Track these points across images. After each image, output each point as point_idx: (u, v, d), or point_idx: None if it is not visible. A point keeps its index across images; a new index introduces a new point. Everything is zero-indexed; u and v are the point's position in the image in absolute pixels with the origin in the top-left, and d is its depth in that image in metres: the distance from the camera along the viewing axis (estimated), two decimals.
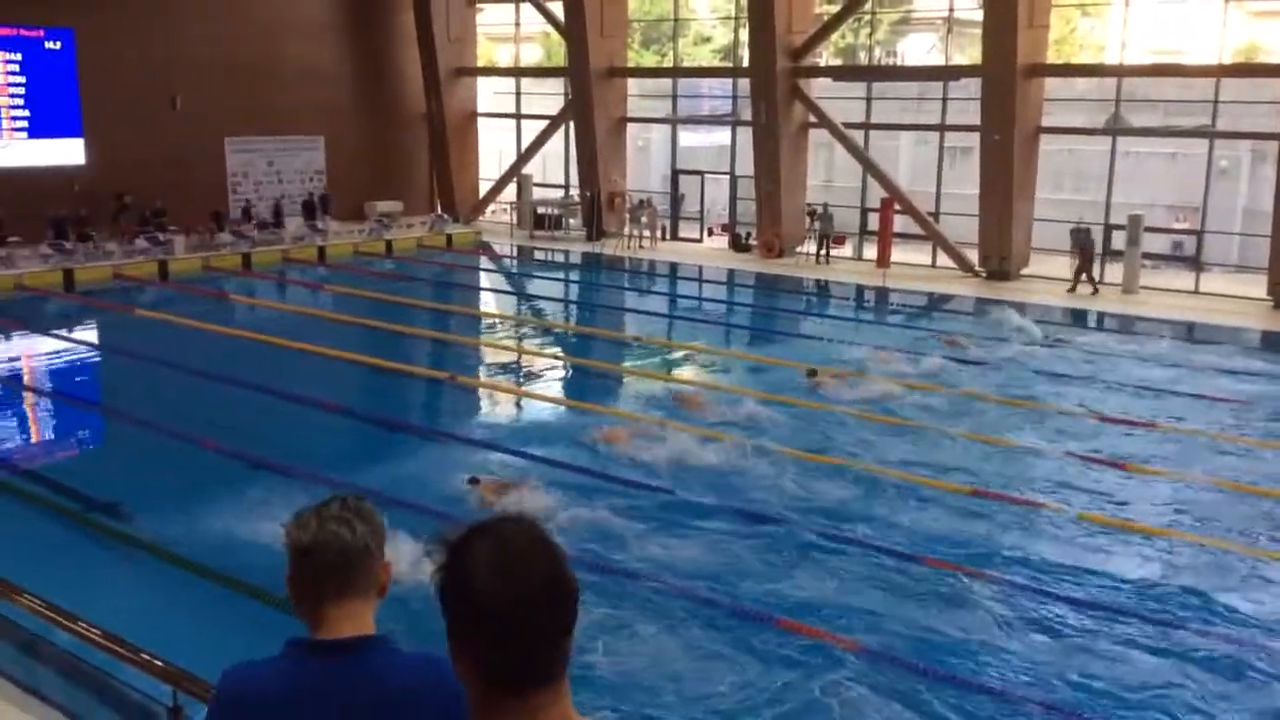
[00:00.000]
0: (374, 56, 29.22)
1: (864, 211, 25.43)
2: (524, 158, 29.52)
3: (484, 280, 25.15)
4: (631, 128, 28.84)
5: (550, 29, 29.49)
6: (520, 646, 1.66)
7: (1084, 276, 21.47)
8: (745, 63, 26.10)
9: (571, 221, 28.45)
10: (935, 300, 21.65)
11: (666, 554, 8.80)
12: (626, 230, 26.63)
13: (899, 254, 23.95)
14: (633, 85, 28.59)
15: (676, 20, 29.36)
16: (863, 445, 11.76)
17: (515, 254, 27.50)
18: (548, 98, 29.88)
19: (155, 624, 6.97)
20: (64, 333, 17.57)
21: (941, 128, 24.40)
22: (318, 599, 2.30)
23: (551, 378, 16.23)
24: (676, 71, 29.03)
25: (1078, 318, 20.04)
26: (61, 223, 22.11)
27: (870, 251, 24.73)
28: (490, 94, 30.98)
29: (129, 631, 5.24)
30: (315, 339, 16.58)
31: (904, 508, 9.98)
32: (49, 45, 23.37)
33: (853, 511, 9.84)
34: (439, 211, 29.66)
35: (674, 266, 25.47)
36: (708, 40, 33.13)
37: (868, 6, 25.29)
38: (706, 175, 27.68)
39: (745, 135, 25.80)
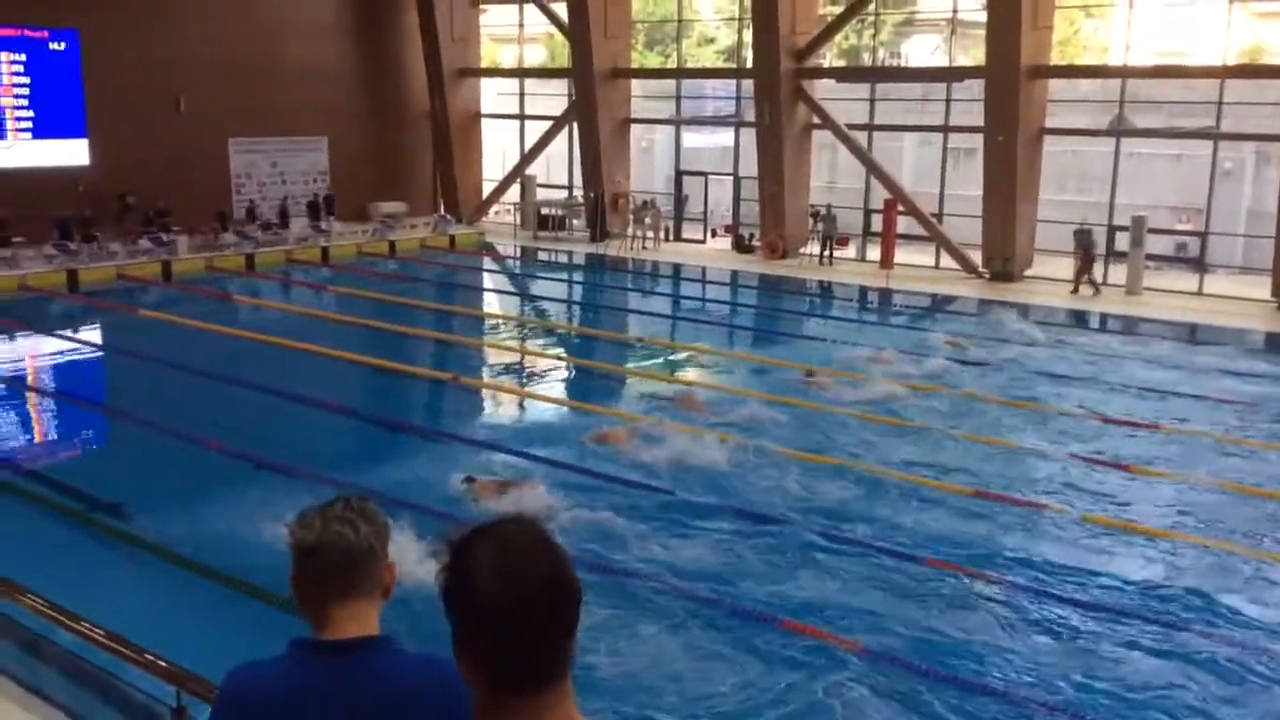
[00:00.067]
0: (377, 57, 29.25)
1: (867, 213, 25.42)
2: (527, 158, 29.53)
3: (487, 281, 25.18)
4: (635, 129, 28.84)
5: (554, 30, 29.51)
6: (520, 646, 1.67)
7: (1085, 278, 21.46)
8: (749, 64, 26.09)
9: (575, 222, 28.46)
10: (938, 301, 21.64)
11: (668, 554, 8.80)
12: (630, 231, 26.63)
13: (902, 255, 23.94)
14: (636, 86, 28.59)
15: (680, 21, 29.39)
16: (865, 446, 11.75)
17: (519, 255, 27.51)
18: (551, 98, 29.88)
19: (158, 624, 6.98)
20: (68, 333, 17.58)
21: (945, 129, 24.39)
22: (322, 599, 2.30)
23: (554, 379, 16.24)
24: (680, 72, 29.05)
25: (1081, 319, 20.03)
26: (67, 223, 22.15)
27: (873, 253, 24.72)
28: (494, 95, 30.99)
29: (132, 632, 5.24)
30: (318, 339, 16.60)
31: (906, 508, 9.97)
32: (53, 46, 23.41)
33: (855, 512, 9.83)
34: (442, 212, 29.66)
35: (677, 267, 25.47)
36: (711, 41, 33.13)
37: (871, 8, 25.28)
38: (710, 176, 27.67)
39: (749, 136, 25.79)
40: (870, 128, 25.02)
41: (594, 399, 14.11)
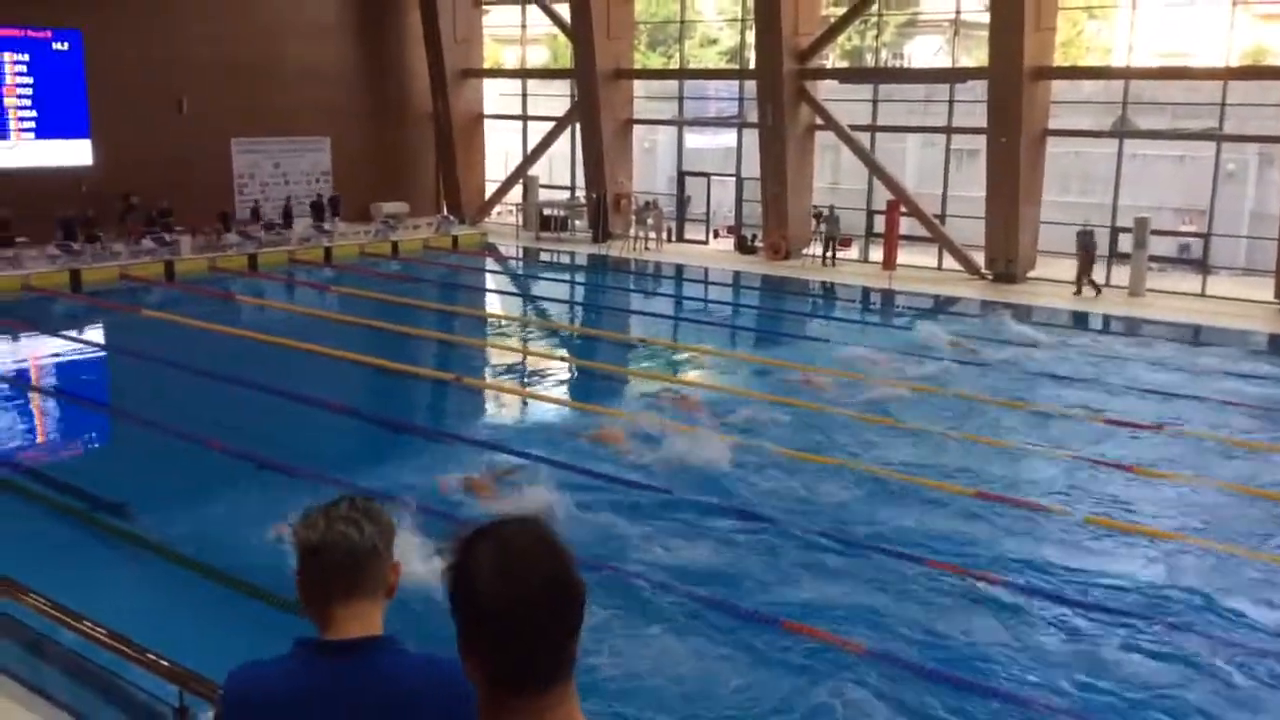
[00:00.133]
0: (380, 57, 29.26)
1: (870, 214, 25.40)
2: (530, 159, 29.53)
3: (489, 282, 25.19)
4: (638, 129, 28.85)
5: (557, 31, 29.52)
6: (521, 647, 1.67)
7: (1085, 279, 21.44)
8: (751, 65, 26.09)
9: (577, 223, 28.46)
10: (941, 303, 21.63)
11: (669, 555, 8.80)
12: (632, 232, 26.63)
13: (905, 256, 23.94)
14: (639, 87, 28.60)
15: (683, 22, 29.40)
16: (866, 446, 11.75)
17: (521, 255, 27.51)
18: (554, 99, 29.90)
19: (161, 624, 6.98)
20: (71, 333, 17.59)
21: (948, 130, 24.38)
22: (325, 599, 2.30)
23: (556, 379, 16.24)
24: (683, 73, 29.05)
25: (1084, 320, 20.01)
26: (70, 223, 22.18)
27: (876, 254, 24.71)
28: (496, 95, 31.01)
29: (135, 631, 5.24)
30: (321, 340, 16.61)
31: (908, 510, 9.97)
32: (56, 46, 23.44)
33: (856, 513, 9.83)
34: (445, 213, 29.68)
35: (680, 268, 25.46)
36: (714, 42, 33.14)
37: (874, 9, 25.28)
38: (712, 177, 27.68)
39: (751, 137, 25.80)
40: (873, 129, 25.01)
41: (596, 399, 14.10)
